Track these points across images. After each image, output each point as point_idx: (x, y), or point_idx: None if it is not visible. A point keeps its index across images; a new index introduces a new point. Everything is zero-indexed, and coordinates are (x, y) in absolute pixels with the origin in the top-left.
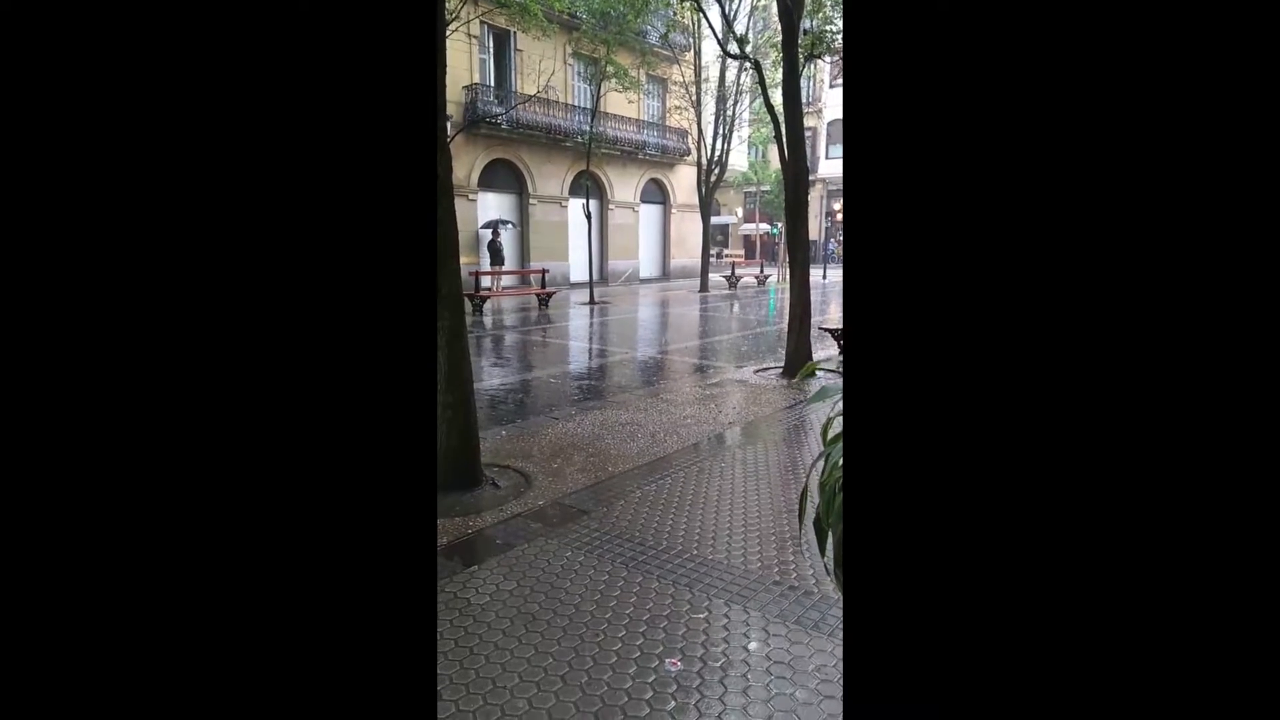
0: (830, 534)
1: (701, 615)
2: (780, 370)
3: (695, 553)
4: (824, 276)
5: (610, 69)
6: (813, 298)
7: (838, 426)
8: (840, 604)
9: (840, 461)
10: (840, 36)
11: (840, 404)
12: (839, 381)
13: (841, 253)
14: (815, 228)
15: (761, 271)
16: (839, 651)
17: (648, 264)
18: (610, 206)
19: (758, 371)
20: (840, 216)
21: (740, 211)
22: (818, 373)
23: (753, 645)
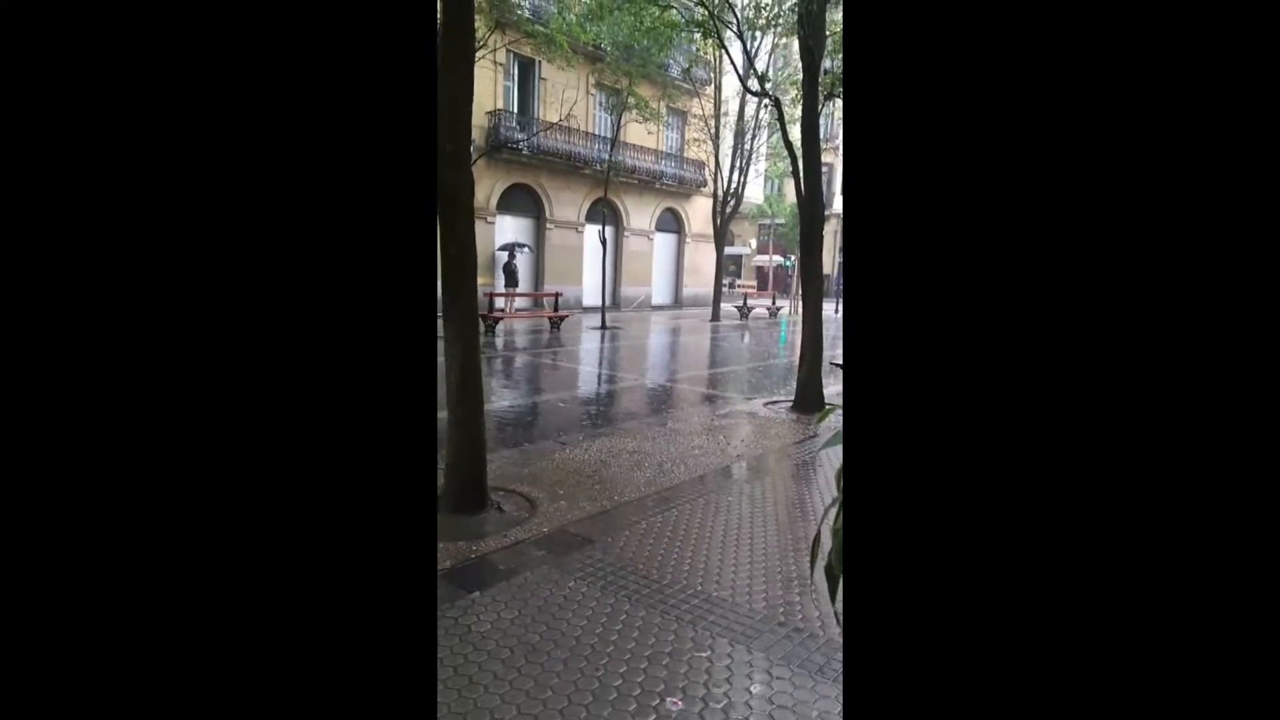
0: (841, 581)
1: (704, 654)
2: (790, 404)
3: (700, 588)
4: (836, 310)
5: (632, 100)
6: (825, 332)
7: None
8: (837, 648)
9: None
10: None
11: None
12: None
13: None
14: (829, 261)
15: (774, 303)
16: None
17: (661, 291)
18: (626, 234)
19: (768, 404)
20: None
21: (754, 243)
22: (828, 407)
23: (755, 688)
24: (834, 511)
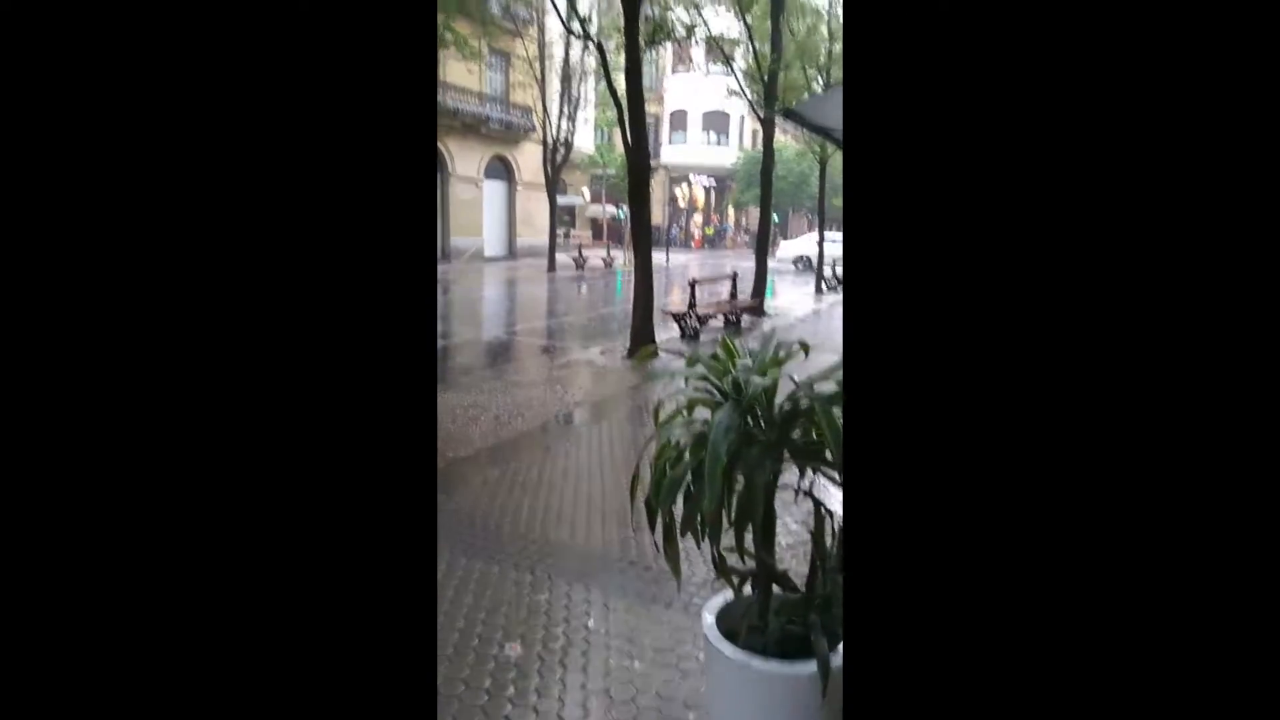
0: (660, 512)
1: (543, 597)
2: (625, 352)
3: (538, 535)
4: (666, 260)
5: (449, 36)
6: (656, 281)
7: (669, 408)
8: (671, 576)
9: (670, 440)
10: (679, 25)
11: (673, 384)
12: (674, 361)
13: (689, 237)
14: (658, 213)
15: (608, 253)
16: (675, 620)
17: (493, 242)
18: (452, 179)
19: (604, 352)
20: (681, 203)
21: (588, 192)
22: (661, 353)
23: (591, 623)
24: (651, 446)
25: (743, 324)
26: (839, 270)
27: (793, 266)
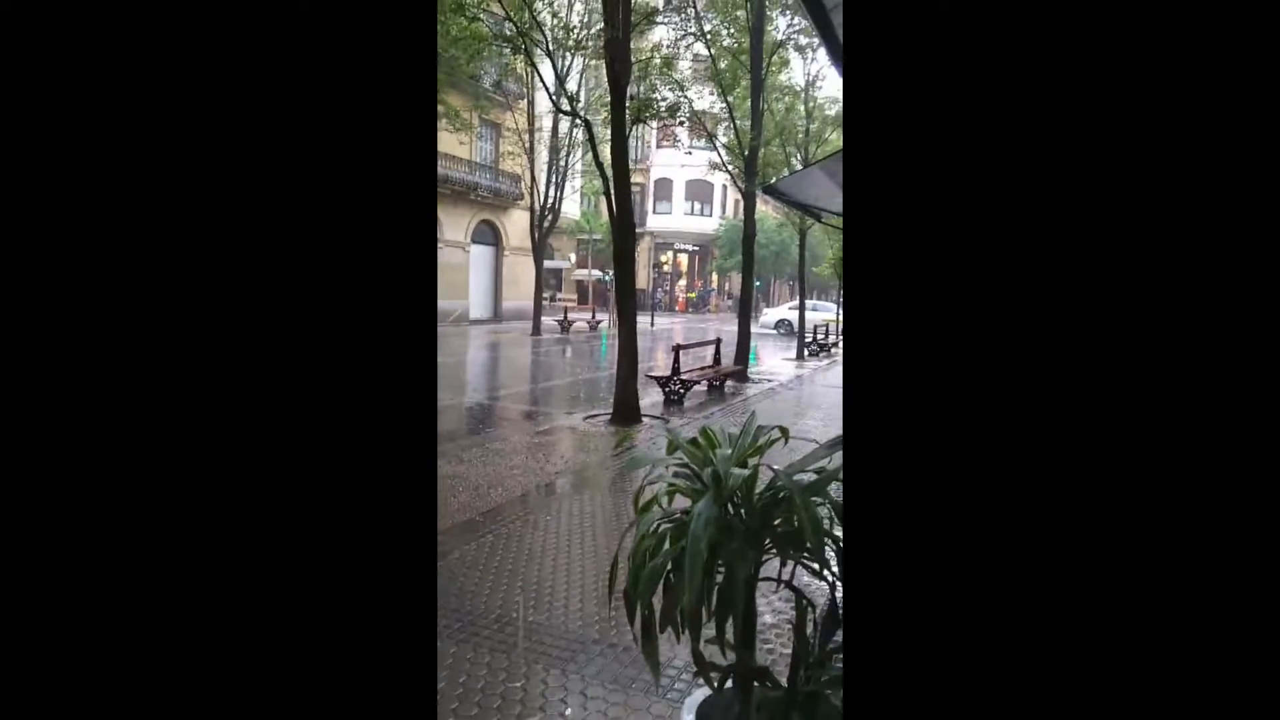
0: (639, 604)
1: (518, 684)
2: (609, 417)
3: (515, 616)
4: (651, 324)
5: (441, 108)
6: (641, 344)
7: (648, 494)
8: (653, 663)
9: (649, 528)
10: (665, 105)
11: (653, 472)
12: (651, 450)
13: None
14: (643, 277)
15: (594, 316)
16: (655, 709)
17: (479, 305)
18: (440, 245)
19: (587, 418)
20: (666, 268)
21: (574, 257)
22: (644, 419)
23: (569, 711)
24: (630, 535)
25: (726, 389)
26: (819, 336)
27: (775, 331)
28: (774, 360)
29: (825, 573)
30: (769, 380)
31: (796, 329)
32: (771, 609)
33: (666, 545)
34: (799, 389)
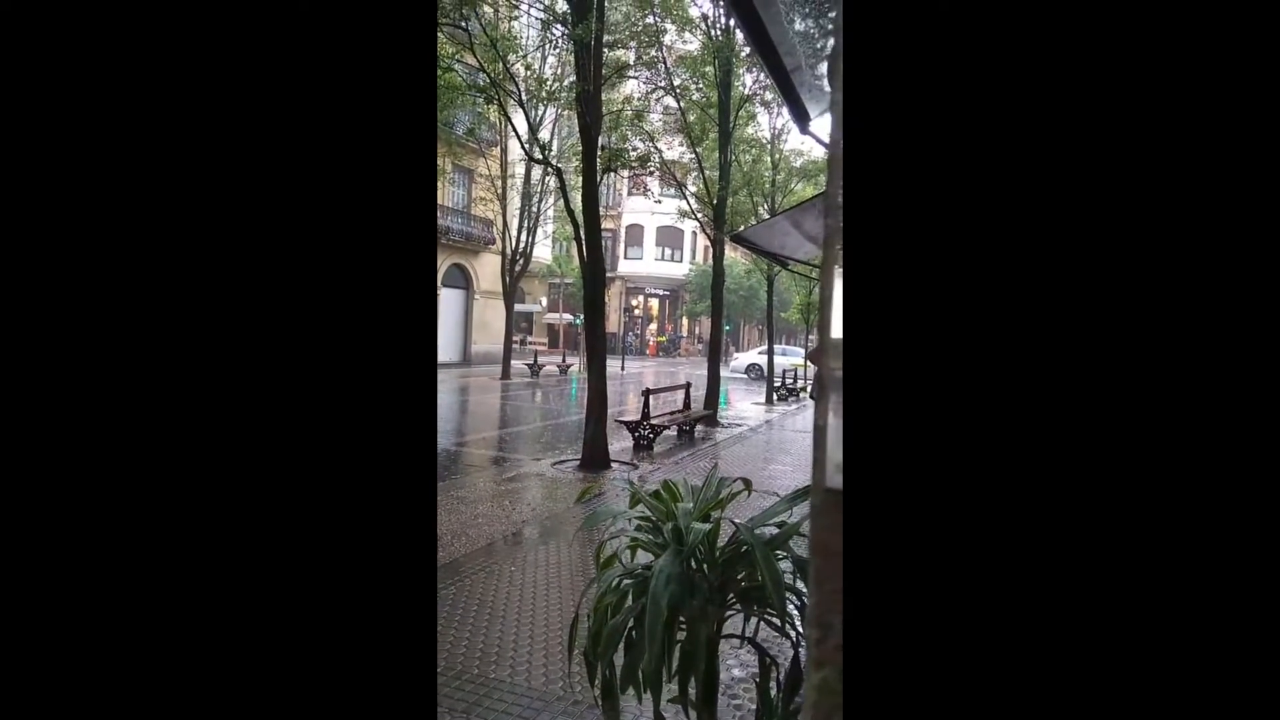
0: (599, 664)
1: None
2: (578, 463)
3: (476, 672)
4: (622, 368)
5: None
6: (611, 388)
7: (609, 549)
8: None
9: (612, 584)
10: (635, 155)
11: (616, 524)
12: (613, 505)
13: (644, 344)
14: (614, 321)
15: (564, 360)
16: None
17: (448, 349)
18: None
19: (555, 464)
20: (637, 312)
21: (545, 301)
22: (613, 465)
23: None
24: (592, 592)
25: (696, 434)
26: (788, 381)
27: (745, 375)
28: (744, 404)
29: (788, 629)
30: (739, 425)
31: (766, 373)
32: (740, 662)
33: (629, 601)
34: (768, 434)
